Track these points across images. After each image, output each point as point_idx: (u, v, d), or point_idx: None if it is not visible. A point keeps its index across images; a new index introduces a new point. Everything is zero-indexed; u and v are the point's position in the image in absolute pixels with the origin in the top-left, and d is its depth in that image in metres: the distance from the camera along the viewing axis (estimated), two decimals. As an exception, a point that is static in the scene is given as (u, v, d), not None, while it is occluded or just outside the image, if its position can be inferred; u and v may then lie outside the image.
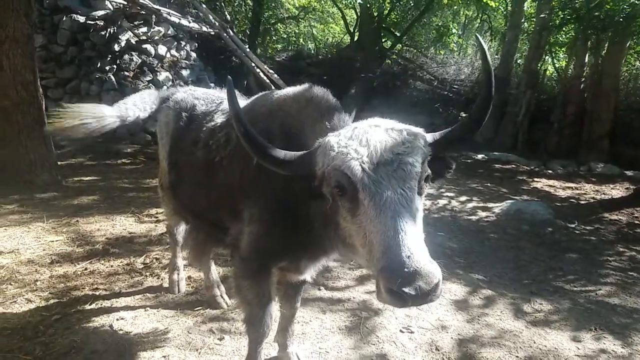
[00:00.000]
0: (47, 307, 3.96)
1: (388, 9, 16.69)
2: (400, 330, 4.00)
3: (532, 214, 7.65)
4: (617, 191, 9.90)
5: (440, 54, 19.38)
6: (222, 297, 4.20)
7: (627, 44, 12.05)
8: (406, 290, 1.65)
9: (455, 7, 18.61)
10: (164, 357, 3.39)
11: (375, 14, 16.17)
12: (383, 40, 17.75)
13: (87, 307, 4.00)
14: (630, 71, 14.55)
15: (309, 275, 2.93)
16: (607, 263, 6.04)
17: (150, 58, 11.96)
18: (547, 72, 16.66)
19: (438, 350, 3.77)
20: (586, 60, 12.73)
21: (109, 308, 4.02)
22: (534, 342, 3.98)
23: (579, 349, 3.93)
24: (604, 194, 9.72)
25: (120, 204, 6.93)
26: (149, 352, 3.44)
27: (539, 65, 13.93)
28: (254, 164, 2.53)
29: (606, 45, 12.14)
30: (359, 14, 18.46)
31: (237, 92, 3.81)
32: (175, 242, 4.30)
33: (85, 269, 4.73)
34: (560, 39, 15.08)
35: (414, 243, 1.74)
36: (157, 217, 6.47)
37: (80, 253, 5.09)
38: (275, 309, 2.92)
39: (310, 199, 2.21)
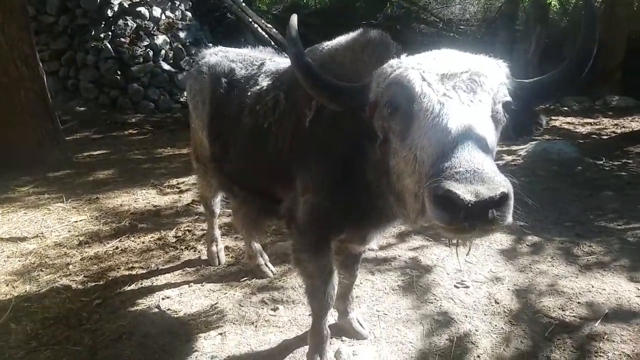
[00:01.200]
0: (85, 291, 3.81)
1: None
2: (455, 286, 3.87)
3: (558, 153, 7.43)
4: (636, 123, 9.66)
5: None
6: (266, 265, 4.06)
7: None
8: (459, 192, 1.25)
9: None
10: (221, 334, 3.26)
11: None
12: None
13: (127, 288, 3.85)
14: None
15: (374, 244, 2.74)
16: (646, 198, 5.87)
17: (146, 21, 11.45)
18: (551, 5, 16.08)
19: (498, 303, 3.65)
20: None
21: (150, 287, 3.88)
22: (592, 287, 3.86)
23: (638, 289, 3.81)
24: (623, 127, 9.48)
25: (138, 177, 6.71)
26: (203, 330, 3.30)
27: (547, -3, 13.37)
28: (307, 126, 2.35)
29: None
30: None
31: (271, 50, 3.57)
32: (212, 213, 4.12)
33: (116, 247, 4.57)
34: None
35: (477, 149, 1.39)
36: (179, 188, 6.28)
37: (108, 231, 4.92)
38: (336, 279, 2.75)
39: (362, 139, 2.00)
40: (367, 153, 2.10)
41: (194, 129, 3.69)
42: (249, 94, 2.85)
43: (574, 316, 3.48)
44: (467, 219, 1.27)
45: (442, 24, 15.82)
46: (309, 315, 3.37)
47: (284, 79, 2.70)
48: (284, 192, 2.67)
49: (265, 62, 3.07)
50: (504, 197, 1.28)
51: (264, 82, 2.83)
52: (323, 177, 2.36)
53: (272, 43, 13.88)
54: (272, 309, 3.54)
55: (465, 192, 1.25)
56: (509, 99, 1.69)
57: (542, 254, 4.41)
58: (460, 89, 1.59)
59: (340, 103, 1.98)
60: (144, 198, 5.89)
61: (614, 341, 3.19)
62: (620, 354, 3.06)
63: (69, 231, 4.88)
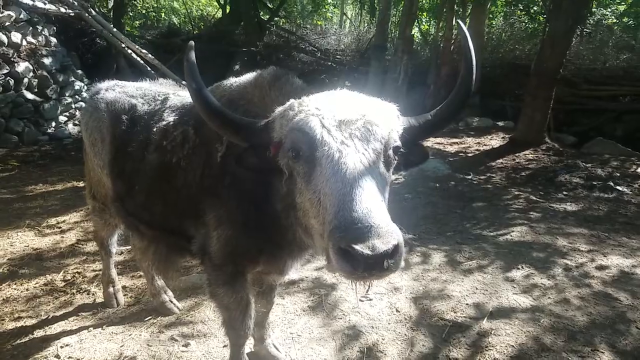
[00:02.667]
0: (-35, 348, 3.38)
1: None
2: (360, 300, 4.09)
3: (434, 170, 8.20)
4: (495, 141, 10.97)
5: (319, 24, 19.56)
6: (171, 302, 3.92)
7: (488, 6, 13.23)
8: (358, 248, 1.42)
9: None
10: (131, 377, 3.10)
11: (248, -16, 15.77)
12: (259, 12, 17.38)
13: (18, 339, 3.48)
14: (490, 30, 16.02)
15: (292, 275, 2.77)
16: (509, 207, 6.71)
17: (4, 47, 10.39)
18: (414, 37, 17.70)
19: (398, 311, 3.94)
20: (453, 23, 13.76)
21: (44, 337, 3.54)
22: (477, 288, 4.33)
23: (514, 287, 4.36)
24: (485, 145, 10.71)
25: (10, 218, 6.05)
26: (112, 376, 3.11)
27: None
28: (218, 161, 2.38)
29: (470, 8, 13.21)
30: (228, -16, 17.89)
31: (174, 83, 3.51)
32: (108, 253, 3.90)
33: (-4, 297, 4.10)
34: (426, 4, 16.10)
35: (372, 201, 1.57)
36: (60, 227, 5.79)
37: (-18, 281, 4.39)
38: (253, 309, 2.79)
39: (266, 178, 2.12)
40: (276, 186, 2.17)
41: (90, 167, 3.48)
42: (154, 129, 2.78)
43: (464, 317, 3.88)
44: (365, 270, 1.46)
45: (320, 53, 16.58)
46: (224, 347, 3.37)
47: (192, 114, 2.67)
48: (195, 228, 2.63)
49: (169, 96, 3.01)
50: (396, 248, 1.48)
51: (170, 117, 2.77)
52: (236, 211, 2.38)
53: (148, 68, 13.45)
54: (183, 345, 3.44)
55: (363, 247, 1.43)
56: (398, 143, 1.87)
57: (431, 262, 4.84)
58: (356, 137, 1.72)
59: (243, 138, 2.02)
60: (21, 241, 5.34)
61: (500, 335, 3.62)
62: (506, 346, 3.49)
63: None
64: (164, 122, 2.77)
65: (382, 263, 1.45)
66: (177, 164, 2.60)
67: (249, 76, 2.57)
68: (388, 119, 1.86)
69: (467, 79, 2.11)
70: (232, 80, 2.64)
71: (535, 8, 13.60)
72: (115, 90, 3.22)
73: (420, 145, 2.12)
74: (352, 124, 1.75)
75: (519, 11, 15.10)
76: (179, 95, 3.04)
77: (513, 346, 3.49)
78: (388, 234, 1.47)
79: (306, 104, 1.85)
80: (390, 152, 1.83)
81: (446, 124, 2.24)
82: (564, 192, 7.31)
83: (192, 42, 2.14)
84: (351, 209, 1.52)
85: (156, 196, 2.80)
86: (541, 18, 13.16)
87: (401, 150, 1.89)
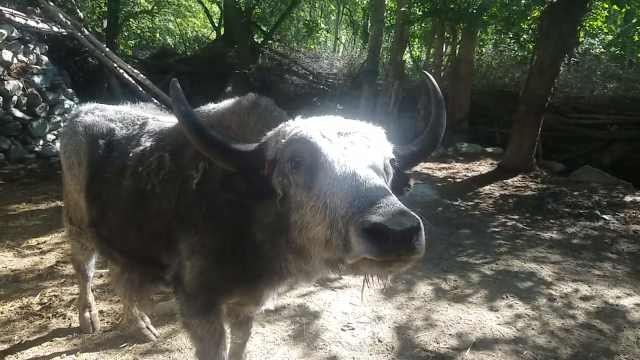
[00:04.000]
0: None
1: (254, 3, 16.50)
2: (342, 329, 4.03)
3: (421, 196, 8.19)
4: (483, 167, 11.02)
5: (312, 48, 19.78)
6: (148, 328, 3.83)
7: (478, 33, 13.46)
8: (384, 223, 1.39)
9: (320, 1, 19.10)
10: (102, 408, 3.00)
11: (244, 8, 15.92)
12: (253, 35, 17.57)
13: (-13, 367, 3.38)
14: (480, 57, 16.27)
15: (269, 304, 2.69)
16: (495, 234, 6.70)
17: (-6, 65, 10.40)
18: (405, 63, 17.93)
19: (381, 342, 3.87)
20: (444, 49, 13.97)
21: (15, 364, 3.44)
22: (460, 318, 4.27)
23: (498, 317, 4.31)
24: (473, 170, 10.75)
25: (-11, 238, 5.95)
26: (82, 406, 3.01)
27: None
28: (194, 188, 2.35)
29: (460, 35, 13.43)
30: (223, 8, 18.05)
31: (156, 107, 3.49)
32: (85, 277, 3.81)
33: (-32, 320, 3.99)
34: (417, 31, 16.36)
35: (386, 189, 1.61)
36: (40, 248, 5.69)
37: (-45, 302, 4.28)
38: (228, 340, 2.72)
39: (257, 202, 2.07)
40: (256, 215, 2.14)
41: (67, 190, 3.43)
42: (130, 155, 2.74)
43: (447, 347, 3.82)
44: (394, 249, 1.40)
45: (313, 76, 16.72)
46: (200, 376, 3.26)
47: (169, 139, 2.65)
48: (168, 257, 2.57)
49: (147, 121, 2.99)
50: (419, 226, 1.45)
51: (147, 143, 2.74)
52: (211, 240, 2.33)
53: (140, 88, 13.49)
54: (158, 374, 3.35)
55: (391, 223, 1.39)
56: (393, 156, 1.93)
57: (416, 290, 4.79)
58: (356, 145, 1.79)
59: (234, 163, 2.00)
60: (-1, 262, 5.24)
61: (482, 367, 3.55)
62: (488, 378, 3.42)
63: None
64: (141, 147, 2.73)
65: (410, 240, 1.41)
66: (152, 191, 2.55)
67: (227, 102, 2.56)
68: (381, 134, 1.96)
69: (439, 117, 2.34)
70: (211, 106, 2.63)
71: (525, 36, 13.84)
72: (94, 113, 3.19)
73: (403, 174, 2.15)
74: (350, 134, 1.83)
75: (508, 39, 15.36)
76: (158, 119, 3.02)
77: (495, 379, 3.43)
78: (409, 211, 1.46)
79: (302, 122, 1.94)
80: (388, 161, 1.89)
81: (424, 157, 2.35)
82: (551, 220, 7.31)
83: (175, 79, 2.11)
84: (368, 195, 1.52)
85: (130, 223, 2.75)
86: (531, 46, 13.39)
87: (396, 163, 1.95)
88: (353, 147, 1.78)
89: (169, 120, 2.98)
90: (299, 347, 3.74)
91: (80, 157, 3.07)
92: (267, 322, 4.07)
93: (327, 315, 4.22)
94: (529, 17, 11.89)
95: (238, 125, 2.37)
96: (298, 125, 1.90)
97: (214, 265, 2.34)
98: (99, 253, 3.41)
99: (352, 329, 4.03)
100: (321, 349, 3.73)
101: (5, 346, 3.66)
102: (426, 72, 2.62)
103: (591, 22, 11.99)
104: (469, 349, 3.77)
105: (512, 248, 6.10)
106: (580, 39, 14.45)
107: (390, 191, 1.64)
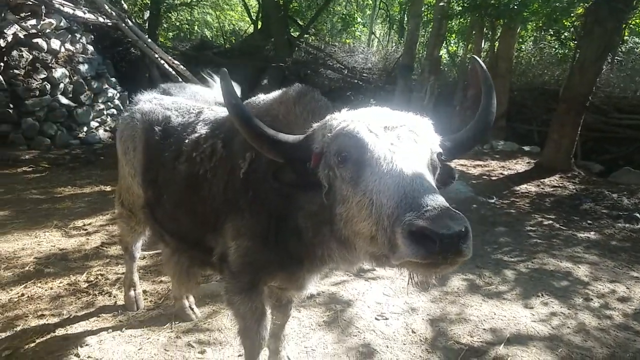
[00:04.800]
0: (-9, 343, 3.50)
1: (293, -4, 16.65)
2: (376, 318, 4.10)
3: (456, 193, 8.14)
4: (520, 165, 10.84)
5: (347, 42, 19.81)
6: (191, 308, 3.99)
7: (517, 30, 13.20)
8: (432, 227, 1.38)
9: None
10: (148, 380, 3.16)
11: (282, 2, 16.05)
12: (290, 29, 17.69)
13: (41, 337, 3.59)
14: (520, 54, 15.97)
15: (312, 289, 2.78)
16: (531, 232, 6.62)
17: (43, 53, 10.78)
18: (442, 58, 17.74)
19: (414, 332, 3.92)
20: (482, 45, 13.78)
21: (66, 335, 3.65)
22: (495, 314, 4.28)
23: (533, 315, 4.30)
24: (509, 169, 10.60)
25: (38, 218, 6.25)
26: (129, 377, 3.18)
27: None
28: (242, 174, 2.44)
29: (499, 31, 13.21)
30: (261, 1, 18.23)
31: (209, 100, 3.61)
32: (132, 257, 4.01)
33: (22, 294, 4.23)
34: (455, 26, 16.17)
35: (433, 188, 1.59)
36: (86, 229, 5.95)
37: (10, 277, 4.54)
38: (269, 320, 2.83)
39: (303, 193, 2.14)
40: (300, 203, 2.22)
41: (121, 174, 3.60)
42: (186, 141, 2.86)
43: (480, 341, 3.84)
44: (441, 252, 1.40)
45: (347, 70, 16.73)
46: (239, 356, 3.41)
47: (222, 128, 2.75)
48: (215, 240, 2.68)
49: (203, 110, 3.11)
50: (468, 230, 1.44)
51: (202, 130, 2.86)
52: (256, 224, 2.42)
53: (180, 79, 13.77)
54: (199, 352, 3.50)
55: (438, 227, 1.38)
56: (440, 150, 1.92)
57: (450, 285, 4.81)
58: (403, 139, 1.78)
59: (281, 154, 2.05)
60: (48, 241, 5.51)
61: (515, 362, 3.57)
62: (521, 373, 3.44)
63: (-37, 279, 4.44)
64: (196, 135, 2.85)
65: (457, 244, 1.39)
66: (204, 176, 2.67)
67: (275, 93, 2.65)
68: (428, 127, 1.93)
69: (488, 107, 2.22)
70: (261, 97, 2.72)
71: (566, 34, 13.50)
72: (152, 102, 3.33)
73: (448, 165, 2.10)
74: (397, 128, 1.81)
75: (549, 36, 15.01)
76: (213, 109, 3.14)
77: (529, 374, 3.45)
78: (458, 215, 1.44)
79: (349, 115, 1.93)
80: (435, 155, 1.87)
81: (469, 148, 2.26)
82: (588, 221, 7.18)
83: (224, 70, 2.16)
84: (416, 196, 1.51)
85: (183, 206, 2.88)
86: (572, 44, 13.06)
87: (442, 157, 1.93)
88: (400, 142, 1.77)
89: (222, 110, 3.09)
90: (334, 333, 3.83)
91: (136, 143, 3.23)
92: (303, 307, 4.18)
93: (360, 304, 4.30)
94: (572, 14, 11.60)
95: (284, 114, 2.44)
96: (345, 119, 1.90)
97: (258, 247, 2.44)
98: (151, 234, 3.57)
99: (386, 318, 4.09)
100: (355, 335, 3.82)
101: (56, 319, 3.87)
102: (476, 57, 2.46)
103: (637, 20, 11.60)
104: (502, 344, 3.79)
105: (548, 247, 6.03)
106: (625, 37, 14.01)
107: (437, 189, 1.64)
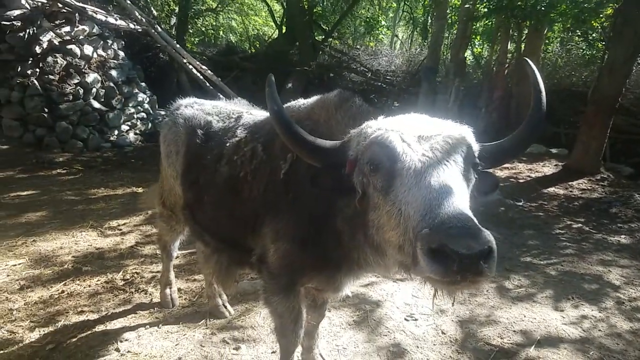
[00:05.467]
0: (35, 337, 3.67)
1: (316, 1, 16.71)
2: (405, 319, 4.14)
3: (482, 195, 8.11)
4: (547, 168, 10.71)
5: (371, 45, 19.84)
6: (224, 306, 4.11)
7: (544, 31, 13.06)
8: (452, 246, 1.37)
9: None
10: (186, 375, 3.28)
11: (306, 6, 16.18)
12: (314, 33, 17.81)
13: (82, 332, 3.74)
14: (546, 55, 15.77)
15: (347, 291, 2.82)
16: (560, 236, 6.57)
17: (77, 59, 11.14)
18: (467, 60, 17.62)
19: (444, 333, 3.96)
20: (508, 47, 13.65)
21: (104, 331, 3.80)
22: (524, 316, 4.29)
23: (563, 317, 4.29)
24: (537, 171, 10.48)
25: (75, 218, 6.47)
26: (167, 371, 3.30)
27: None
28: (283, 175, 2.50)
29: (526, 32, 13.08)
30: (285, 6, 18.40)
31: (247, 103, 3.73)
32: (169, 256, 4.15)
33: (62, 291, 4.41)
34: (480, 28, 16.06)
35: (460, 202, 1.56)
36: (120, 230, 6.14)
37: (50, 275, 4.73)
38: (304, 319, 2.90)
39: (339, 197, 2.18)
40: (339, 207, 2.27)
41: (163, 176, 3.73)
42: (227, 144, 2.97)
43: (511, 343, 3.86)
44: (459, 271, 1.39)
45: (371, 73, 16.74)
46: (272, 352, 3.50)
47: (262, 131, 2.85)
48: (254, 241, 2.76)
49: (242, 114, 3.21)
50: (491, 250, 1.42)
51: (242, 134, 2.96)
52: (295, 227, 2.49)
53: (207, 84, 14.02)
54: (234, 348, 3.60)
55: (458, 245, 1.37)
56: (477, 161, 1.89)
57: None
58: (437, 150, 1.75)
59: (319, 159, 2.10)
60: (85, 240, 5.71)
61: (547, 363, 3.57)
62: (553, 375, 3.44)
63: (7, 275, 4.63)
64: (237, 138, 2.95)
65: (477, 264, 1.38)
66: (245, 178, 2.76)
67: (315, 98, 2.72)
68: (466, 135, 1.88)
69: (538, 112, 2.09)
70: (301, 102, 2.80)
71: (594, 35, 13.28)
72: (193, 107, 3.46)
73: (490, 174, 2.07)
74: (431, 138, 1.78)
75: (576, 37, 14.78)
76: (252, 114, 3.24)
77: (560, 376, 3.45)
78: (482, 234, 1.42)
79: (384, 123, 1.93)
80: (470, 167, 1.83)
81: (515, 155, 2.22)
82: (618, 224, 7.08)
83: (271, 75, 2.24)
84: (439, 211, 1.50)
85: (223, 207, 2.97)
86: (600, 45, 12.84)
87: (480, 169, 1.89)
88: (433, 153, 1.74)
89: (261, 114, 3.20)
90: (364, 332, 3.90)
91: (179, 146, 3.35)
92: (333, 307, 4.25)
93: (389, 305, 4.35)
94: (600, 15, 11.43)
95: (326, 119, 2.50)
96: (380, 127, 1.90)
97: (297, 249, 2.50)
98: (191, 234, 3.69)
99: (415, 319, 4.14)
100: (385, 335, 3.87)
101: (95, 316, 4.03)
102: (527, 60, 2.30)
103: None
104: (533, 346, 3.80)
105: (578, 250, 5.98)
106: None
107: (467, 204, 1.64)
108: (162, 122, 3.66)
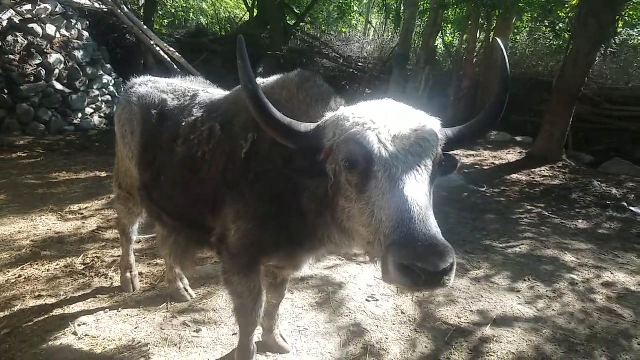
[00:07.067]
0: (-10, 322, 3.58)
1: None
2: (367, 300, 4.21)
3: (447, 181, 8.23)
4: (511, 155, 10.98)
5: (344, 31, 19.79)
6: (186, 289, 4.09)
7: (513, 21, 13.27)
8: (420, 265, 1.52)
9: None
10: (144, 357, 3.26)
11: (278, -12, 16.04)
12: (286, 17, 17.65)
13: (39, 317, 3.67)
14: (515, 45, 16.04)
15: (306, 270, 2.86)
16: (520, 220, 6.76)
17: (38, 39, 10.75)
18: (438, 48, 17.76)
19: (404, 313, 4.04)
20: (478, 36, 13.84)
21: (62, 315, 3.73)
22: (482, 297, 4.41)
23: (519, 297, 4.43)
24: (501, 159, 10.73)
25: (35, 202, 6.31)
26: (126, 354, 3.28)
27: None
28: (244, 154, 2.48)
29: (495, 21, 13.27)
30: (257, -12, 18.20)
31: (204, 81, 3.66)
32: (128, 240, 4.08)
33: (19, 276, 4.30)
34: (451, 16, 16.22)
35: (429, 219, 1.66)
36: (82, 214, 6.02)
37: (7, 259, 4.60)
38: (264, 299, 2.92)
39: (309, 180, 2.18)
40: (305, 185, 2.26)
41: (119, 157, 3.66)
42: (183, 124, 2.91)
43: (468, 322, 3.97)
44: (425, 285, 1.58)
45: (343, 60, 16.75)
46: (234, 334, 3.51)
47: (219, 110, 2.81)
48: (214, 220, 2.74)
49: (198, 93, 3.16)
50: (452, 265, 1.58)
51: (199, 113, 2.91)
52: (257, 206, 2.47)
53: (175, 66, 13.77)
54: (195, 331, 3.59)
55: (426, 264, 1.52)
56: (442, 157, 1.95)
57: (439, 270, 4.91)
58: (410, 154, 1.80)
59: (293, 142, 2.07)
60: (45, 224, 5.57)
61: (501, 342, 3.70)
62: (507, 353, 3.57)
63: (-39, 260, 4.50)
64: (193, 117, 2.90)
65: (441, 279, 1.55)
66: (202, 158, 2.72)
67: (275, 77, 2.69)
68: (436, 134, 1.92)
69: (502, 95, 2.13)
70: (260, 81, 2.73)
71: (560, 25, 13.56)
72: (147, 85, 3.38)
73: (452, 156, 2.15)
74: (405, 139, 1.82)
75: (544, 27, 15.07)
76: (208, 92, 3.19)
77: (514, 353, 3.57)
78: (446, 252, 1.56)
79: (360, 115, 1.91)
80: (437, 165, 1.90)
81: (479, 137, 2.27)
82: (577, 210, 7.33)
83: (241, 36, 2.08)
84: (411, 227, 1.61)
85: (180, 187, 2.93)
86: (566, 35, 13.12)
87: (443, 162, 1.97)
88: (406, 158, 1.79)
89: (218, 93, 3.16)
90: (326, 313, 3.95)
91: (134, 126, 3.27)
92: (296, 289, 4.29)
93: (352, 287, 4.41)
94: (566, 5, 11.67)
95: (287, 99, 2.47)
96: (357, 122, 1.89)
97: (258, 229, 2.49)
98: (148, 215, 3.63)
99: (376, 300, 4.21)
100: (347, 316, 3.93)
101: (53, 300, 3.95)
102: (498, 41, 2.31)
103: (630, 12, 11.68)
104: (489, 325, 3.91)
105: (536, 234, 6.17)
106: (619, 29, 14.09)
107: (432, 213, 1.72)
108: (117, 102, 3.57)
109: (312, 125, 2.09)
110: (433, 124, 1.97)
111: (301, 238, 2.47)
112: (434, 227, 1.65)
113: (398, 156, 1.79)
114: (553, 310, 4.23)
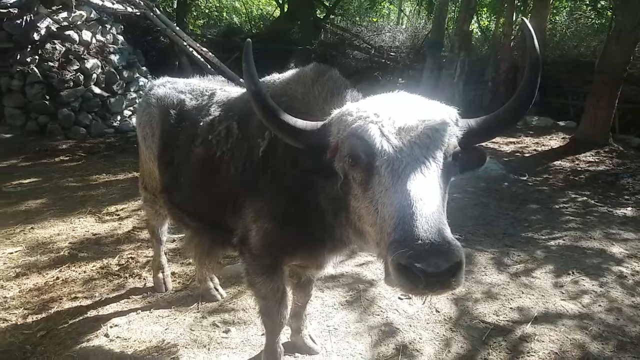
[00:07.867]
0: (27, 324, 3.67)
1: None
2: (399, 298, 4.09)
3: (486, 170, 7.97)
4: (554, 141, 10.53)
5: (374, 21, 19.50)
6: (216, 289, 4.09)
7: (551, 0, 12.71)
8: (418, 265, 1.38)
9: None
10: (173, 358, 3.26)
11: (307, -17, 15.96)
12: (316, 10, 17.54)
13: (74, 319, 3.74)
14: (554, 26, 15.38)
15: (330, 269, 2.79)
16: (564, 210, 6.45)
17: (75, 45, 11.07)
18: (474, 33, 17.24)
19: (438, 312, 3.90)
20: (514, 18, 13.32)
21: (96, 317, 3.79)
22: (522, 292, 4.21)
23: (562, 293, 4.21)
24: (543, 145, 10.30)
25: (74, 205, 6.48)
26: (155, 355, 3.29)
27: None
28: (261, 153, 2.43)
29: (532, 3, 12.74)
30: (287, -16, 18.15)
31: (222, 79, 3.63)
32: (158, 241, 4.11)
33: (57, 278, 4.41)
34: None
35: (433, 215, 1.51)
36: (119, 215, 6.13)
37: (46, 262, 4.73)
38: (289, 299, 2.86)
39: (321, 179, 2.11)
40: (321, 185, 2.19)
41: (142, 159, 3.68)
42: (201, 124, 2.88)
43: (507, 320, 3.79)
44: (426, 287, 1.41)
45: (374, 50, 16.49)
46: (262, 335, 3.47)
47: (236, 109, 2.76)
48: (234, 221, 2.69)
49: (215, 92, 3.12)
50: (458, 265, 1.42)
51: (216, 112, 2.87)
52: (276, 206, 2.42)
53: (209, 66, 13.90)
54: (224, 331, 3.58)
55: (425, 265, 1.38)
56: (458, 149, 1.78)
57: (476, 264, 4.74)
58: (416, 145, 1.67)
59: (299, 141, 2.02)
60: (82, 226, 5.71)
61: (543, 341, 3.52)
62: (549, 352, 3.39)
63: (4, 263, 4.64)
64: (210, 117, 2.87)
65: (444, 280, 1.41)
66: (221, 157, 2.68)
67: (291, 72, 2.61)
68: (448, 124, 1.78)
69: (532, 81, 1.92)
70: (276, 76, 2.69)
71: (602, 2, 12.88)
72: (165, 86, 3.37)
73: (478, 148, 1.98)
74: (411, 130, 1.69)
75: (584, 6, 14.36)
76: (226, 90, 3.14)
77: (557, 353, 3.38)
78: (450, 250, 1.42)
79: (364, 109, 1.81)
80: (450, 158, 1.75)
81: (507, 128, 2.06)
82: (625, 197, 6.93)
83: (249, 40, 2.11)
84: (412, 224, 1.48)
85: (200, 188, 2.91)
86: (609, 13, 12.45)
87: (460, 155, 1.81)
88: (412, 150, 1.66)
89: (235, 91, 3.11)
90: (356, 312, 3.85)
91: (154, 128, 3.28)
92: (326, 287, 4.21)
93: (383, 284, 4.28)
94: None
95: (303, 94, 2.41)
96: (360, 115, 1.80)
97: (278, 229, 2.44)
98: (170, 218, 3.64)
99: (409, 298, 4.07)
100: (378, 315, 3.83)
101: (88, 302, 4.02)
102: (525, 20, 2.08)
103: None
104: (530, 323, 3.73)
105: (581, 224, 5.86)
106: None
107: (441, 209, 1.59)
108: (137, 105, 3.58)
109: (320, 123, 2.01)
110: (445, 113, 1.82)
111: (321, 237, 2.40)
112: (439, 223, 1.50)
113: (403, 149, 1.66)
114: (599, 306, 3.99)
